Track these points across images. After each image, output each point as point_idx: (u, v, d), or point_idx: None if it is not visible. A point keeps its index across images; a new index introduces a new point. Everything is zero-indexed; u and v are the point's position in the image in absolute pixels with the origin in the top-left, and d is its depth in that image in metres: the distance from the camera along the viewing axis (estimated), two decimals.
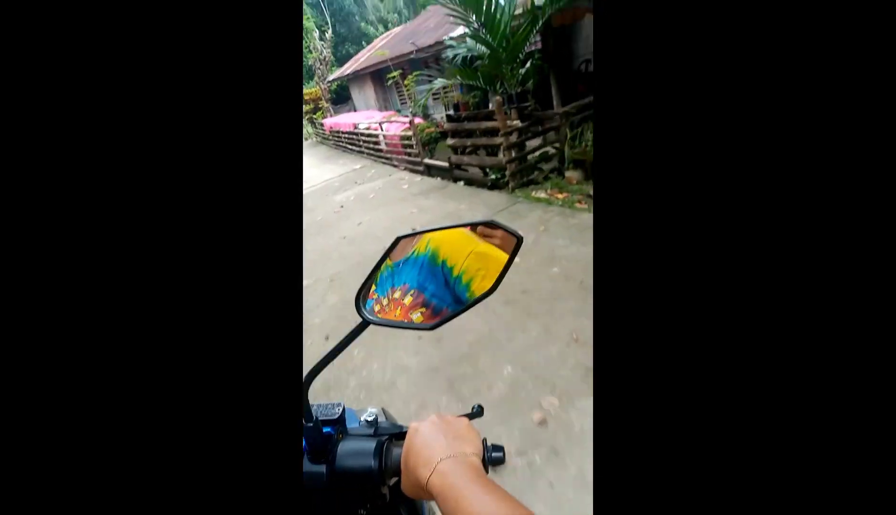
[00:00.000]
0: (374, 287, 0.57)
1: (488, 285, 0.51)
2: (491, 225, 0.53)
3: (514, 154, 4.92)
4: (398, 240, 0.55)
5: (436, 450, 0.44)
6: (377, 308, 0.57)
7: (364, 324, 0.55)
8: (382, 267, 0.56)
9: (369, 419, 0.61)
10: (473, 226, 0.54)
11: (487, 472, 0.44)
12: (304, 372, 0.53)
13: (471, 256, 0.53)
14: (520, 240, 0.50)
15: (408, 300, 0.56)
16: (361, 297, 0.56)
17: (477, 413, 0.60)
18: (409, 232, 0.56)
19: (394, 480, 0.55)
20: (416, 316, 0.56)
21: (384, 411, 0.71)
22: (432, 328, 0.54)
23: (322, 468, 0.55)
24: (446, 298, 0.55)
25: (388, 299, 0.57)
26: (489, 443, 0.50)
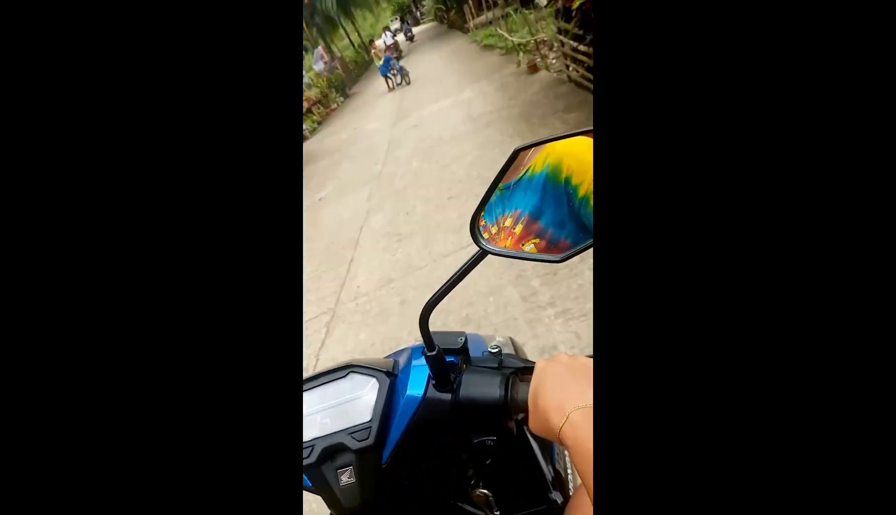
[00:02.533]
0: (480, 219, 0.50)
1: None
2: None
3: None
4: (517, 152, 0.46)
5: (568, 396, 0.42)
6: (486, 236, 0.51)
7: (482, 254, 0.50)
8: (499, 185, 0.49)
9: (493, 350, 0.60)
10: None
11: None
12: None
13: None
14: None
15: (518, 228, 0.50)
16: (476, 222, 0.50)
17: None
18: (528, 143, 0.47)
19: (520, 416, 0.53)
20: (530, 248, 0.50)
21: (512, 340, 0.68)
22: (561, 260, 0.48)
23: (447, 396, 0.55)
24: (566, 225, 0.48)
25: (498, 227, 0.51)
26: None
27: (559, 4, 5.39)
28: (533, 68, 6.86)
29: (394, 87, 12.37)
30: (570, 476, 0.77)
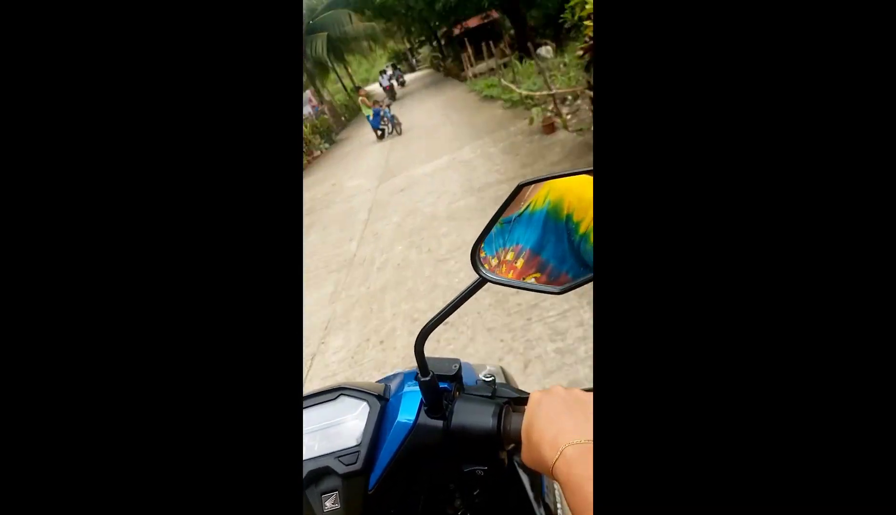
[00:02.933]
0: (481, 249, 0.52)
1: None
2: None
3: None
4: (520, 187, 0.49)
5: (562, 431, 0.42)
6: (487, 267, 0.52)
7: (481, 282, 0.52)
8: (500, 220, 0.51)
9: (487, 379, 0.60)
10: None
11: None
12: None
13: None
14: None
15: (520, 263, 0.51)
16: (478, 251, 0.52)
17: None
18: (532, 179, 0.50)
19: (511, 446, 0.52)
20: (531, 280, 0.51)
21: (503, 371, 0.70)
22: (560, 292, 0.49)
23: (438, 423, 0.55)
24: (567, 260, 0.49)
25: (499, 260, 0.52)
26: None
27: (588, 57, 4.23)
28: (550, 127, 5.60)
29: (383, 136, 11.17)
30: (559, 511, 0.73)
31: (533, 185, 0.49)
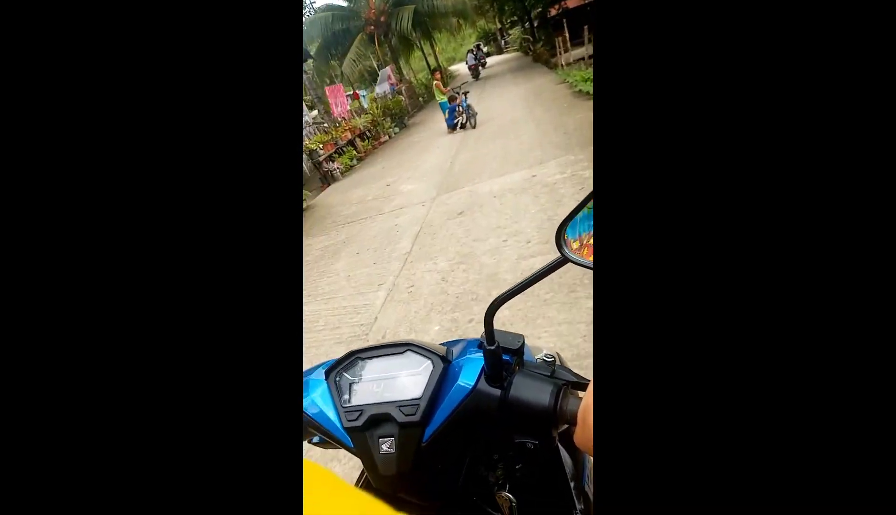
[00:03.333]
0: (566, 230, 0.53)
1: None
2: None
3: None
4: None
5: None
6: (569, 249, 0.52)
7: (562, 260, 0.52)
8: (588, 204, 0.51)
9: (547, 359, 0.63)
10: None
11: None
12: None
13: None
14: None
15: (585, 250, 0.51)
16: (562, 232, 0.52)
17: None
18: None
19: (564, 427, 0.55)
20: None
21: (559, 356, 0.70)
22: None
23: (497, 392, 0.56)
24: None
25: (580, 243, 0.53)
26: None
27: None
28: None
29: (456, 128, 9.75)
30: None
31: None
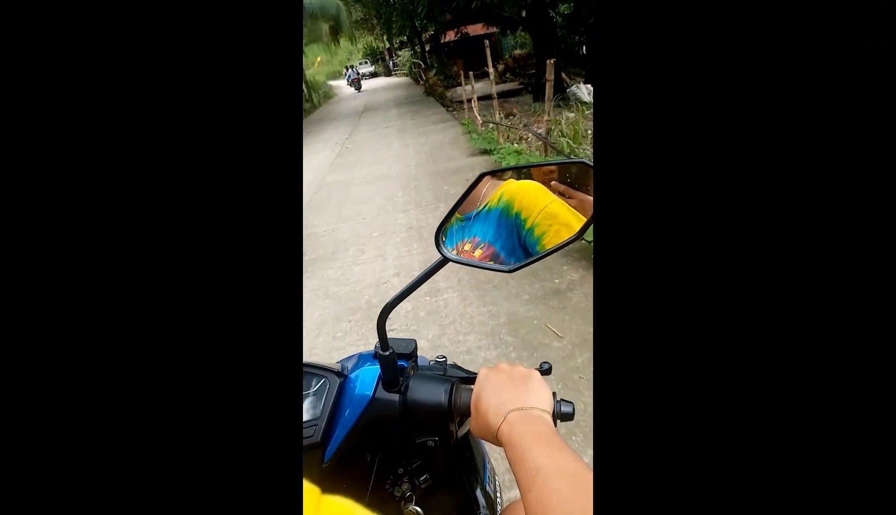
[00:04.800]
0: (444, 233, 0.58)
1: (557, 241, 0.53)
2: (586, 164, 0.52)
3: None
4: (482, 176, 0.57)
5: (507, 400, 0.47)
6: (447, 251, 0.58)
7: (443, 261, 0.56)
8: (453, 219, 0.58)
9: (439, 360, 0.64)
10: (561, 169, 0.55)
11: (557, 427, 0.46)
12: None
13: (544, 211, 0.55)
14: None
15: (478, 253, 0.58)
16: (440, 236, 0.57)
17: (546, 370, 0.57)
18: (492, 170, 0.57)
19: (464, 429, 0.60)
20: (486, 263, 0.58)
21: (447, 358, 0.71)
22: (510, 271, 0.55)
23: (395, 397, 0.58)
24: (516, 251, 0.56)
25: (458, 251, 0.59)
26: (559, 398, 0.50)
27: None
28: None
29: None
30: (499, 499, 0.77)
31: (492, 177, 0.57)
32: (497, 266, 0.56)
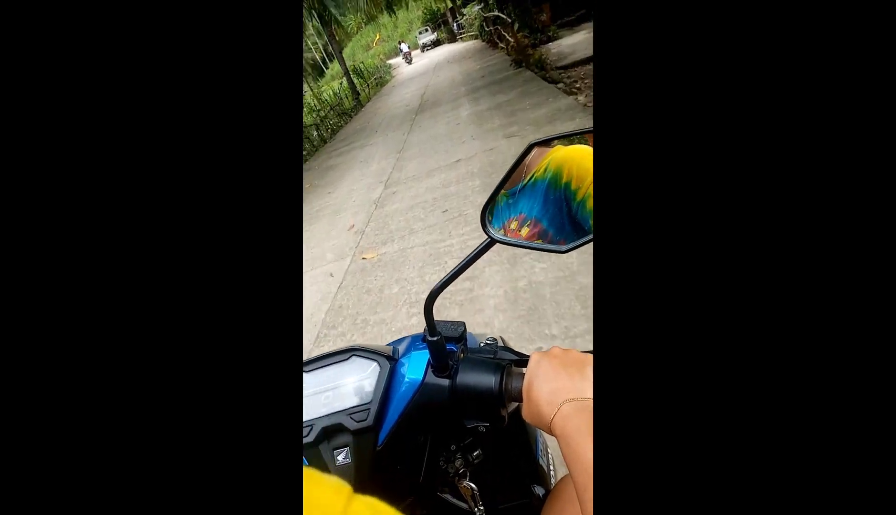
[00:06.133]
0: (491, 212, 0.55)
1: None
2: None
3: None
4: (531, 146, 0.53)
5: (560, 389, 0.44)
6: (494, 230, 0.55)
7: (490, 242, 0.54)
8: (501, 194, 0.54)
9: (489, 342, 0.62)
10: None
11: None
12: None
13: None
14: None
15: (524, 231, 0.54)
16: (486, 215, 0.55)
17: None
18: (542, 138, 0.52)
19: (513, 405, 0.55)
20: (537, 243, 0.55)
21: (502, 339, 0.70)
22: (565, 251, 0.51)
23: (445, 382, 0.57)
24: (566, 227, 0.51)
25: (506, 230, 0.55)
26: None
27: None
28: None
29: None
30: (552, 472, 0.78)
31: (542, 147, 0.52)
32: (549, 246, 0.53)
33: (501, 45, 11.62)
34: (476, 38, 19.16)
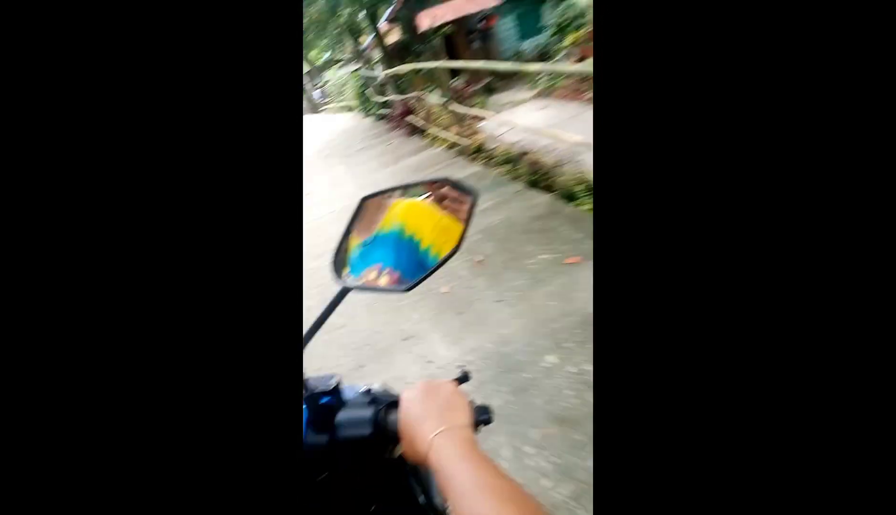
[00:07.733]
0: (346, 267, 0.60)
1: (448, 249, 0.54)
2: (447, 182, 0.56)
3: None
4: (363, 200, 0.59)
5: (428, 422, 0.45)
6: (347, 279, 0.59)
7: (344, 291, 0.56)
8: (352, 246, 0.59)
9: (364, 390, 0.62)
10: (432, 187, 0.57)
11: (478, 432, 0.47)
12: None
13: (435, 229, 0.56)
14: (475, 197, 0.54)
15: (383, 280, 0.58)
16: (337, 264, 0.58)
17: (463, 378, 0.56)
18: (371, 193, 0.59)
19: (392, 447, 0.55)
20: (384, 285, 0.60)
21: (381, 384, 0.71)
22: (406, 290, 0.56)
23: (324, 438, 0.56)
24: (412, 267, 0.57)
25: (364, 279, 0.59)
26: (476, 405, 0.50)
27: None
28: None
29: None
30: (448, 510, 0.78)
31: (377, 198, 0.60)
32: (394, 287, 0.57)
33: (427, 127, 6.30)
34: (353, 111, 13.33)
